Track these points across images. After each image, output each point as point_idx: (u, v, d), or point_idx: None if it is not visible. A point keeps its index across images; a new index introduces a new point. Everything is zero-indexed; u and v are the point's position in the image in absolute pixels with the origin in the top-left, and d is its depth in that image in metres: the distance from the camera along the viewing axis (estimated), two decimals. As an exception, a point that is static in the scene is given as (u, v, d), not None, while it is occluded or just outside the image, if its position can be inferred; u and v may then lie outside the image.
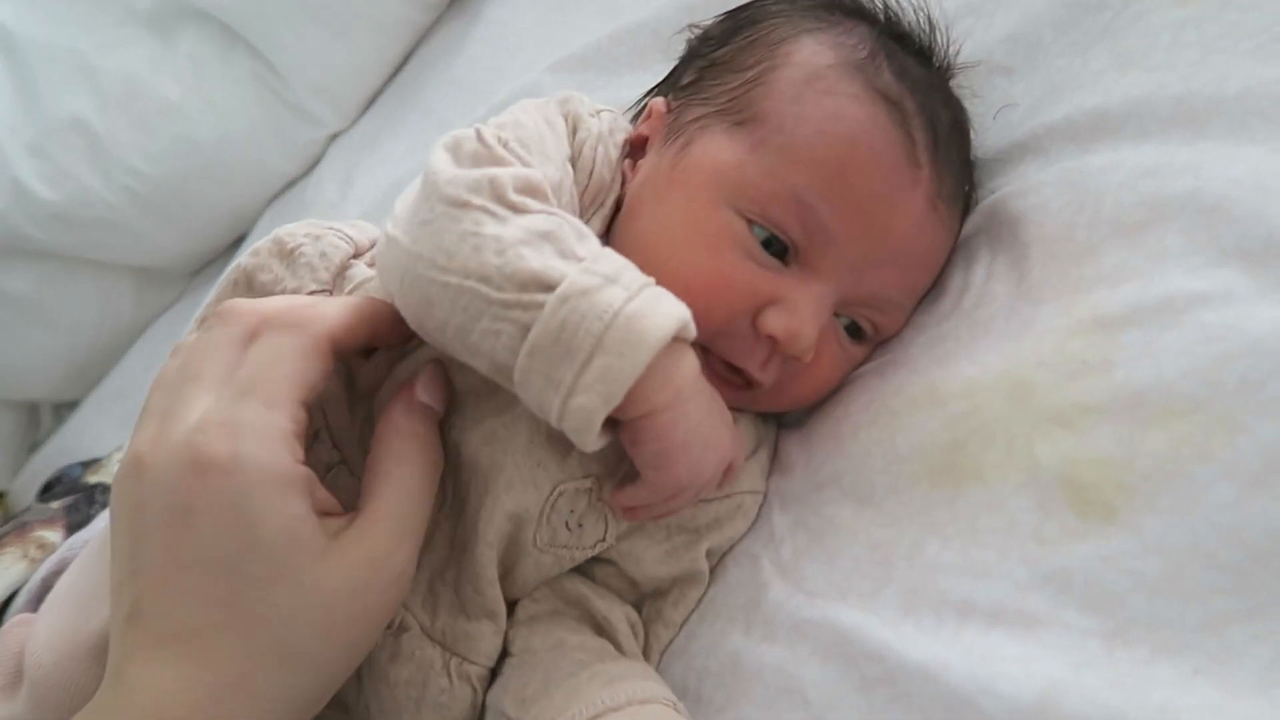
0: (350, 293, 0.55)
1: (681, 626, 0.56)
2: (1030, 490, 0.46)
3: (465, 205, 0.46)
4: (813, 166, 0.52)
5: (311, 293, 0.56)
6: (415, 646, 0.52)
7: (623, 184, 0.59)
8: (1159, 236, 0.48)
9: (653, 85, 0.68)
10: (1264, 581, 0.38)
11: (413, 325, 0.48)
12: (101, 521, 0.79)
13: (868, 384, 0.58)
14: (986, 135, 0.62)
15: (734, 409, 0.55)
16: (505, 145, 0.50)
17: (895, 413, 0.54)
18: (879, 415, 0.54)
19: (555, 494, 0.52)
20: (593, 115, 0.59)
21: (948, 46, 0.62)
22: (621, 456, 0.51)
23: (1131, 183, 0.51)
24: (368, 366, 0.54)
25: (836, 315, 0.56)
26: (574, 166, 0.56)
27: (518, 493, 0.52)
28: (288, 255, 0.57)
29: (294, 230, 0.59)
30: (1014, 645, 0.42)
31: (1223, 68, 0.52)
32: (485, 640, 0.53)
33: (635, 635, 0.56)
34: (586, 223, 0.56)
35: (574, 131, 0.57)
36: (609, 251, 0.46)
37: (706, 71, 0.59)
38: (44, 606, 0.60)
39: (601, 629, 0.55)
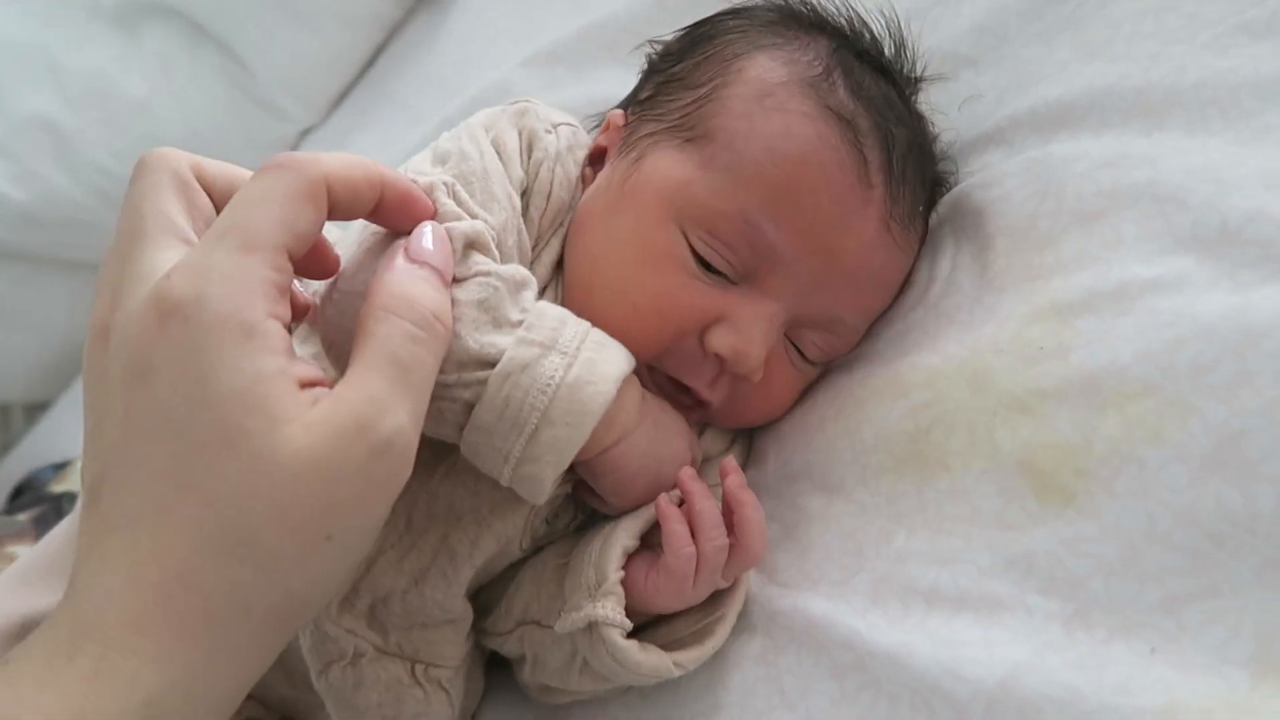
0: None
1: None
2: (992, 477, 0.47)
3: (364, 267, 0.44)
4: (761, 186, 0.51)
5: None
6: (378, 668, 0.53)
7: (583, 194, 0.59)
8: (1116, 225, 0.49)
9: (622, 85, 0.68)
10: (1218, 562, 0.39)
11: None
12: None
13: (836, 377, 0.58)
14: (952, 127, 0.62)
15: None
16: (453, 193, 0.49)
17: (860, 403, 0.54)
18: (845, 407, 0.55)
19: (540, 506, 0.53)
20: (549, 131, 0.57)
21: (911, 59, 0.61)
22: None
23: (1092, 173, 0.52)
24: None
25: (787, 336, 0.55)
26: (531, 191, 0.55)
27: (508, 517, 0.52)
28: None
29: None
30: (978, 630, 0.43)
31: (1181, 59, 0.53)
32: (449, 643, 0.54)
33: None
34: (545, 246, 0.56)
35: (529, 152, 0.56)
36: (544, 308, 0.47)
37: (662, 87, 0.58)
38: None
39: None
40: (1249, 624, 0.38)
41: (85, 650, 0.33)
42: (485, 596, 0.57)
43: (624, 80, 0.68)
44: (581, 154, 0.60)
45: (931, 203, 0.60)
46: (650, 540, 0.51)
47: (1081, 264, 0.49)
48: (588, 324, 0.48)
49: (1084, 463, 0.44)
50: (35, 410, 1.57)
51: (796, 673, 0.48)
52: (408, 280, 0.40)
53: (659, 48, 0.63)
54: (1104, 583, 0.41)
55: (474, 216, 0.48)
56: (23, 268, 1.42)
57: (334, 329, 0.46)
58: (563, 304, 0.55)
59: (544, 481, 0.45)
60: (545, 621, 0.53)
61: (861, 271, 0.54)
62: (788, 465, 0.57)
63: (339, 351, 0.46)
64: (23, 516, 0.85)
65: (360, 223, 0.47)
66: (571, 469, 0.47)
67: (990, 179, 0.58)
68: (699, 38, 0.60)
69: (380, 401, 0.36)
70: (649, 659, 0.48)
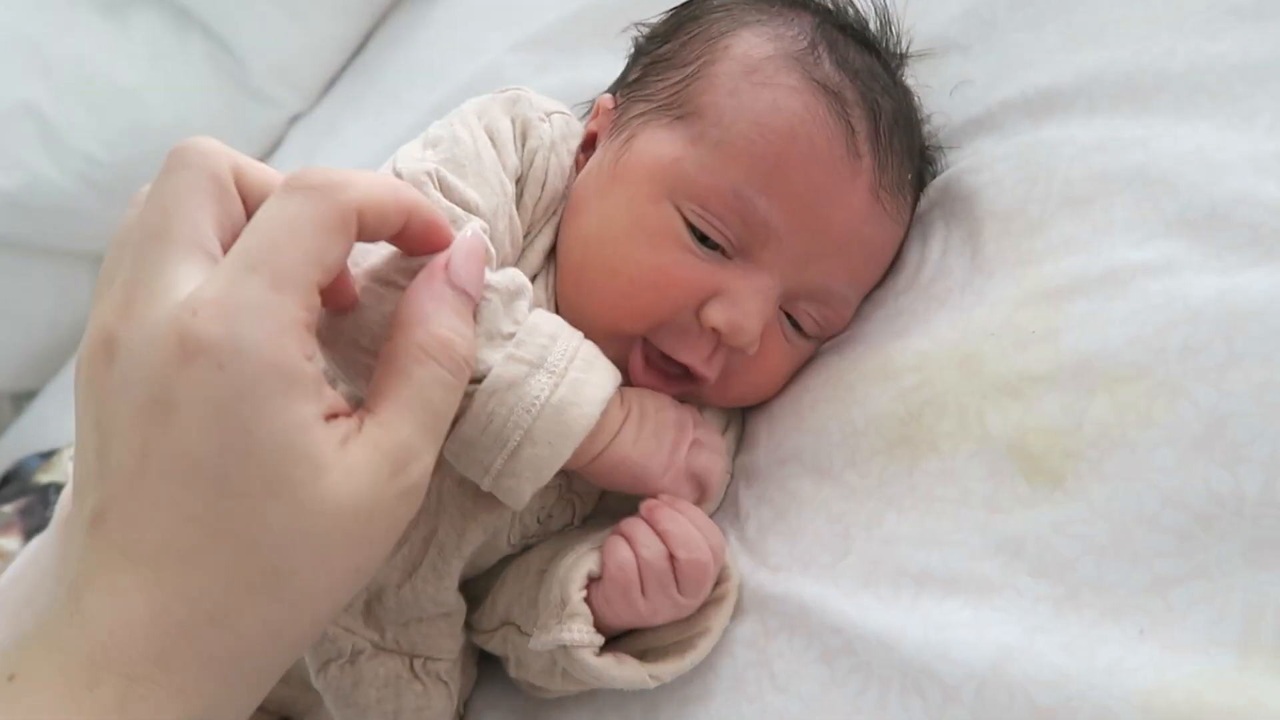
0: None
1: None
2: (982, 459, 0.47)
3: (390, 285, 0.43)
4: (750, 160, 0.52)
5: None
6: (376, 665, 0.53)
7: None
8: (1106, 209, 0.49)
9: (612, 70, 0.68)
10: (1205, 544, 0.39)
11: (345, 381, 0.47)
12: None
13: (827, 360, 0.58)
14: (943, 112, 0.63)
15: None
16: (440, 182, 0.48)
17: (851, 387, 0.54)
18: (836, 390, 0.55)
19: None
20: (543, 120, 0.57)
21: (897, 34, 0.61)
22: None
23: (1082, 157, 0.52)
24: None
25: (783, 309, 0.56)
26: (526, 179, 0.55)
27: (493, 509, 0.52)
28: None
29: None
30: (968, 612, 0.43)
31: (1170, 43, 0.53)
32: (445, 636, 0.54)
33: None
34: (538, 233, 0.56)
35: (523, 140, 0.56)
36: (539, 319, 0.46)
37: (650, 68, 0.59)
38: None
39: None
40: (1236, 605, 0.38)
41: (106, 681, 0.32)
42: (474, 590, 0.57)
43: (615, 65, 0.68)
44: (575, 142, 0.60)
45: (920, 174, 0.60)
46: None
47: (1071, 248, 0.49)
48: (579, 339, 0.48)
49: (1074, 445, 0.44)
50: (21, 399, 1.57)
51: (787, 657, 0.48)
52: (446, 319, 0.39)
53: (645, 30, 0.64)
54: (1094, 565, 0.41)
55: (463, 200, 0.48)
56: (9, 256, 1.41)
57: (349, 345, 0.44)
58: (554, 290, 0.55)
59: (523, 494, 0.46)
60: (524, 628, 0.53)
61: (853, 241, 0.54)
62: (779, 448, 0.57)
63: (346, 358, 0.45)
64: (8, 508, 0.85)
65: None
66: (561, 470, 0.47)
67: (980, 163, 0.58)
68: (685, 18, 0.61)
69: (412, 448, 0.37)
70: (624, 672, 0.48)
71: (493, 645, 0.56)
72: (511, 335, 0.45)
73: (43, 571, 0.56)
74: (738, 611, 0.51)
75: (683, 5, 0.63)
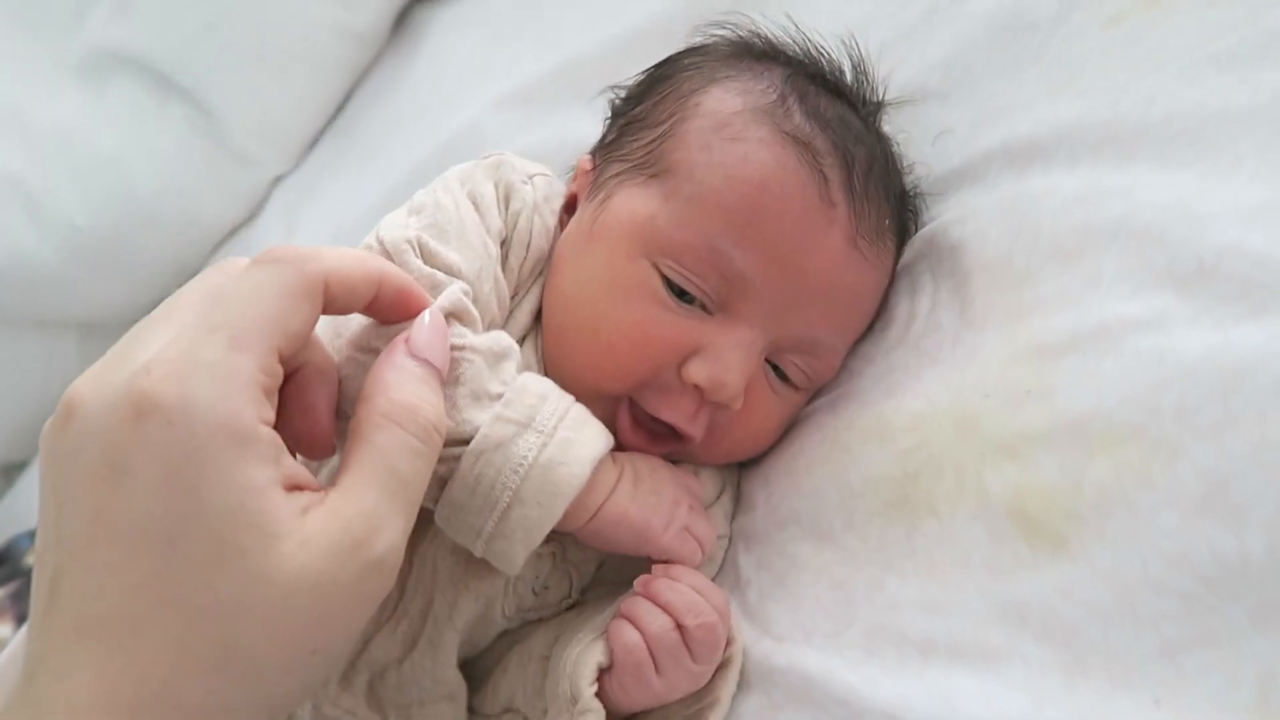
0: None
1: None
2: (981, 521, 0.46)
3: (372, 352, 0.43)
4: (724, 213, 0.52)
5: None
6: None
7: None
8: (1094, 262, 0.49)
9: (594, 126, 0.68)
10: (1211, 607, 0.39)
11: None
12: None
13: (821, 419, 0.58)
14: (925, 162, 0.63)
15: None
16: (421, 249, 0.49)
17: (847, 447, 0.54)
18: (831, 450, 0.55)
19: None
20: (525, 182, 0.58)
21: (872, 82, 0.61)
22: None
23: (1066, 209, 0.52)
24: None
25: (768, 362, 0.55)
26: (510, 240, 0.56)
27: (485, 578, 0.51)
28: None
29: None
30: (974, 682, 0.42)
31: (1149, 91, 0.53)
32: (446, 718, 0.53)
33: None
34: (525, 295, 0.56)
35: (506, 202, 0.56)
36: (528, 380, 0.46)
37: (625, 129, 0.59)
38: None
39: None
40: (1248, 670, 0.37)
41: None
42: (475, 670, 0.56)
43: (597, 121, 0.68)
44: (558, 203, 0.60)
45: (902, 219, 0.60)
46: None
47: (1062, 302, 0.49)
48: (570, 400, 0.47)
49: (1074, 506, 0.43)
50: (13, 470, 1.55)
51: (794, 732, 0.47)
52: (409, 385, 0.39)
53: (621, 92, 0.64)
54: (1101, 630, 0.41)
55: (446, 264, 0.48)
56: (-6, 327, 1.40)
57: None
58: (541, 351, 0.55)
59: (515, 557, 0.45)
60: (530, 717, 0.52)
61: (833, 290, 0.54)
62: (777, 511, 0.56)
63: None
64: (0, 593, 0.83)
65: None
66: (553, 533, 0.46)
67: (965, 215, 0.58)
68: (657, 78, 0.61)
69: (376, 517, 0.35)
70: None
71: None
72: (499, 396, 0.45)
73: (14, 652, 0.55)
74: (743, 685, 0.50)
75: (656, 65, 0.63)
